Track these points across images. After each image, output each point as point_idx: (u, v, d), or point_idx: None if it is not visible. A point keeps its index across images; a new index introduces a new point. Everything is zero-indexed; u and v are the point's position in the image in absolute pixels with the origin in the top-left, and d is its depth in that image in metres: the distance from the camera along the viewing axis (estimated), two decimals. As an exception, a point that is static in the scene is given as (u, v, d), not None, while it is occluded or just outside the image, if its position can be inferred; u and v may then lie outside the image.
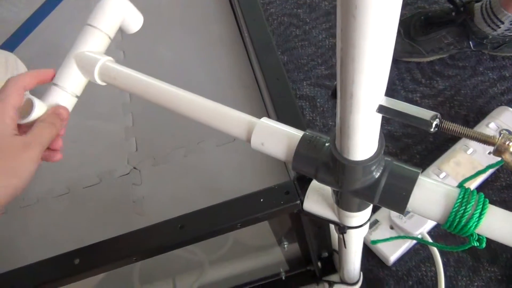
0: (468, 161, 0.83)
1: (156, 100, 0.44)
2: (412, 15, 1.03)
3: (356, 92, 0.26)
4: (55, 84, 0.47)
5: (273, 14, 1.19)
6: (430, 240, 0.75)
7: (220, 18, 0.81)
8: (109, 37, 0.50)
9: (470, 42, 0.97)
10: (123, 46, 0.87)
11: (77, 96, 0.49)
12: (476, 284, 0.75)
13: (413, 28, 1.00)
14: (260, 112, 0.65)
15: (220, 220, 0.47)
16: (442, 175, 0.82)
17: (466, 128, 0.27)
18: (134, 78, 0.46)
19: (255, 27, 0.62)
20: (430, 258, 0.78)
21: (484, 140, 0.26)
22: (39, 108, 0.44)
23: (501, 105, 0.93)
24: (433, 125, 0.27)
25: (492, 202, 0.84)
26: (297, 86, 1.05)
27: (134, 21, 0.53)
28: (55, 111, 0.45)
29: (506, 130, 0.86)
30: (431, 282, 0.77)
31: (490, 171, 0.84)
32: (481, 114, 0.93)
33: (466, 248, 0.35)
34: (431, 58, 1.02)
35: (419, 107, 0.28)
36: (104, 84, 0.48)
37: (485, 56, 1.01)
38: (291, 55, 1.11)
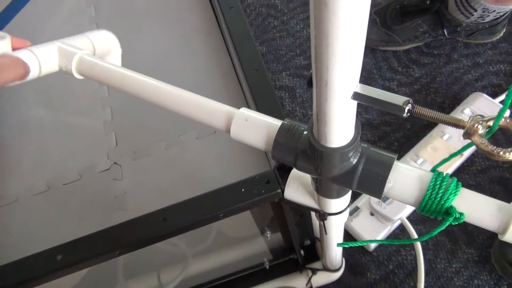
0: (445, 146, 0.85)
1: (134, 92, 0.43)
2: (388, 4, 1.04)
3: (331, 79, 0.27)
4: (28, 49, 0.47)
5: (251, 5, 1.19)
6: (409, 224, 0.76)
7: (197, 8, 0.81)
8: (94, 49, 0.51)
9: (445, 30, 0.99)
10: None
11: (40, 71, 0.48)
12: (454, 266, 0.78)
13: (389, 17, 1.02)
14: (240, 102, 0.65)
15: (202, 211, 0.48)
16: (420, 161, 0.84)
17: (437, 112, 0.27)
18: (111, 71, 0.45)
19: (232, 18, 0.62)
20: (410, 242, 0.80)
21: (454, 123, 0.27)
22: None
23: (475, 91, 0.95)
24: (406, 110, 0.27)
25: (468, 186, 0.86)
26: (276, 77, 1.05)
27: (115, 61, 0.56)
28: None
29: (480, 115, 0.88)
30: (411, 265, 0.79)
31: (466, 156, 0.86)
32: (456, 100, 0.95)
33: (443, 228, 0.36)
34: (407, 47, 1.04)
35: (392, 93, 0.28)
36: (81, 77, 0.47)
37: (459, 43, 1.03)
38: (269, 46, 1.11)
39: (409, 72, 1.01)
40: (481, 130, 0.26)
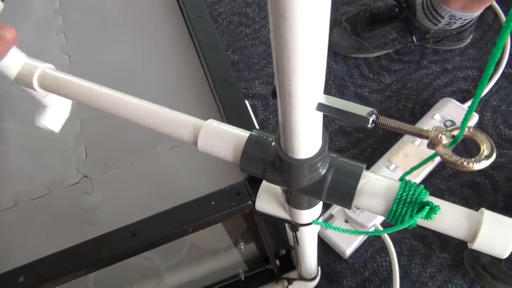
0: (416, 152, 0.86)
1: (100, 106, 0.42)
2: (357, 12, 1.05)
3: (294, 91, 0.26)
4: None
5: (222, 13, 1.19)
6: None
7: (168, 18, 0.79)
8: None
9: (414, 37, 1.00)
10: (68, 50, 0.84)
11: None
12: (428, 271, 0.78)
13: (359, 25, 1.03)
14: (213, 114, 0.64)
15: (172, 226, 0.47)
16: (392, 167, 0.84)
17: (401, 123, 0.27)
18: (75, 85, 0.44)
19: (201, 27, 0.62)
20: (385, 249, 0.80)
21: (418, 133, 0.27)
22: None
23: (444, 96, 0.97)
24: (370, 121, 0.27)
25: (440, 191, 0.88)
26: (249, 85, 1.05)
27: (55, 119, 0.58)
28: None
29: (450, 120, 0.90)
30: (386, 271, 0.79)
31: (437, 161, 0.87)
32: (426, 106, 0.97)
33: (412, 222, 0.35)
34: (378, 54, 1.05)
35: (357, 104, 0.28)
36: (45, 92, 0.46)
37: (428, 50, 1.05)
38: (242, 54, 1.11)
39: (380, 78, 1.03)
40: (444, 140, 0.26)
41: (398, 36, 1.01)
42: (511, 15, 0.20)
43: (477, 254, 0.75)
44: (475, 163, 0.26)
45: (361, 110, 0.27)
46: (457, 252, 0.79)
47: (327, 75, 1.04)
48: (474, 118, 0.91)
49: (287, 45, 0.23)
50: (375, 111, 0.27)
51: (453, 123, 0.90)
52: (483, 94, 0.96)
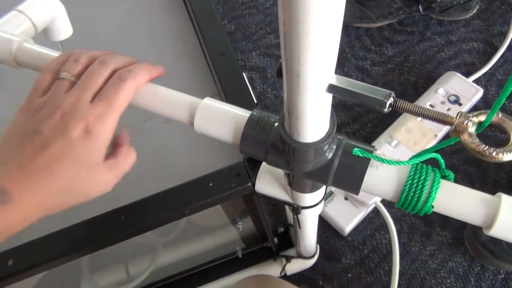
0: (419, 127, 0.83)
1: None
2: (361, -21, 1.01)
3: (303, 71, 0.24)
4: None
5: (218, -20, 1.13)
6: (383, 208, 0.75)
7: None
8: (35, 28, 0.45)
9: (420, 6, 0.96)
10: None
11: None
12: (428, 249, 0.77)
13: (362, -7, 0.98)
14: (209, 88, 0.61)
15: (167, 208, 0.44)
16: (394, 143, 0.82)
17: (422, 107, 0.25)
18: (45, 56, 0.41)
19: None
20: (384, 226, 0.79)
21: (441, 119, 0.24)
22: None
23: (449, 70, 0.94)
24: (387, 105, 0.24)
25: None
26: (246, 57, 1.01)
27: (63, 27, 0.51)
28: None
29: (454, 95, 0.87)
30: (385, 249, 0.78)
31: (440, 136, 0.84)
32: (430, 79, 0.94)
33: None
34: (381, 24, 1.01)
35: (372, 86, 0.25)
36: (23, 68, 0.42)
37: (432, 20, 1.01)
38: (238, 24, 1.06)
39: (382, 50, 0.99)
40: (471, 128, 0.24)
41: (403, 5, 0.96)
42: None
43: (477, 232, 0.74)
44: (505, 153, 0.23)
45: (377, 92, 0.24)
46: (458, 229, 0.78)
47: (328, 46, 1.00)
48: (479, 93, 0.88)
49: (298, 19, 0.20)
50: (392, 94, 0.24)
51: (457, 97, 0.87)
52: (488, 68, 0.93)
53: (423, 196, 0.32)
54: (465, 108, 0.86)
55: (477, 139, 0.24)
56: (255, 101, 0.55)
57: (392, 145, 0.82)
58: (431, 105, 0.87)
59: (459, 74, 0.90)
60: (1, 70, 0.73)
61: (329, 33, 0.21)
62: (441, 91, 0.88)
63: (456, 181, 0.87)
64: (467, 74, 0.92)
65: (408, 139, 0.82)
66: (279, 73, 0.26)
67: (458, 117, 0.24)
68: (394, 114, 0.87)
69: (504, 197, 0.32)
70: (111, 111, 0.34)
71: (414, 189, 0.33)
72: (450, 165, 0.83)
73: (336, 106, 0.92)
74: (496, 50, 0.95)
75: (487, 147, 0.24)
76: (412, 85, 0.94)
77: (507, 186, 0.80)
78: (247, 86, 0.51)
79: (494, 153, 0.23)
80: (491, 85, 0.92)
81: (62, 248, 0.44)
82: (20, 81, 0.53)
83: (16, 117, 0.36)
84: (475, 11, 0.99)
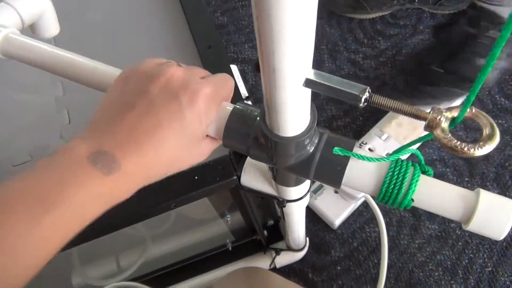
0: (409, 121, 0.83)
1: (68, 75, 0.39)
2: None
3: (278, 65, 0.24)
4: None
5: (211, -28, 1.13)
6: (373, 201, 0.75)
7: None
8: (22, 22, 0.45)
9: (414, -3, 0.96)
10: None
11: None
12: (417, 242, 0.78)
13: (357, -17, 0.98)
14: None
15: (153, 201, 0.44)
16: (384, 136, 0.82)
17: (396, 102, 0.25)
18: (42, 52, 0.40)
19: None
20: (374, 219, 0.79)
21: (415, 114, 0.24)
22: None
23: (440, 64, 0.94)
24: (362, 100, 0.24)
25: (432, 161, 0.86)
26: (239, 49, 1.01)
27: (51, 24, 0.51)
28: None
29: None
30: (374, 242, 0.79)
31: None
32: (421, 73, 0.94)
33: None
34: (374, 15, 1.01)
35: (348, 81, 0.25)
36: (6, 58, 0.42)
37: (425, 14, 1.01)
38: (231, 16, 1.06)
39: (375, 44, 0.99)
40: (444, 123, 0.24)
41: (397, -4, 0.96)
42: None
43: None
44: (476, 149, 0.23)
45: (353, 87, 0.25)
46: (445, 222, 0.79)
47: (320, 39, 1.00)
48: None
49: (270, 15, 0.20)
50: (368, 89, 0.24)
51: (448, 92, 0.87)
52: (479, 62, 0.93)
53: (403, 190, 0.32)
54: (454, 103, 0.86)
55: (450, 134, 0.24)
56: (247, 94, 0.55)
57: (382, 139, 0.82)
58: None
59: (450, 68, 0.90)
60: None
61: (302, 27, 0.21)
62: (432, 85, 0.88)
63: (445, 174, 0.87)
64: (459, 68, 0.92)
65: (399, 133, 0.82)
66: (257, 67, 0.26)
67: (431, 112, 0.24)
68: (385, 108, 0.87)
69: (482, 192, 0.33)
70: (217, 95, 0.34)
71: (394, 183, 0.33)
72: (440, 158, 0.84)
73: (328, 100, 0.92)
74: (487, 44, 0.95)
75: (458, 142, 0.24)
76: (404, 79, 0.94)
77: (495, 180, 0.81)
78: (234, 79, 0.51)
79: (465, 149, 0.24)
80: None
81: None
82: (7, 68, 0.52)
83: (117, 84, 0.34)
84: (468, 4, 0.99)
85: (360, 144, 0.82)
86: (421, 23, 1.00)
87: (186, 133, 0.32)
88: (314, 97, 0.99)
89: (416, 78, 0.93)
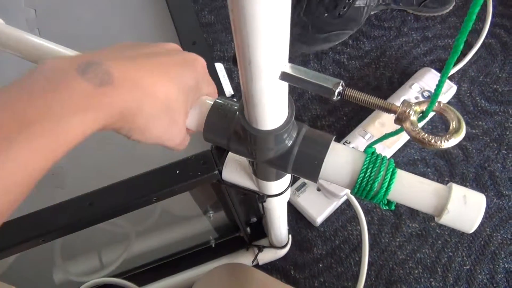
0: (392, 121, 0.84)
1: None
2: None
3: (254, 58, 0.24)
4: None
5: (199, -29, 1.13)
6: (354, 200, 0.76)
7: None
8: None
9: (398, -2, 0.98)
10: (34, 3, 0.78)
11: None
12: (398, 240, 0.79)
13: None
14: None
15: (133, 195, 0.45)
16: (367, 136, 0.83)
17: (369, 96, 0.25)
18: (30, 44, 0.41)
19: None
20: (356, 218, 0.80)
21: (385, 108, 0.25)
22: None
23: (424, 65, 0.95)
24: (336, 93, 0.25)
25: (414, 161, 0.87)
26: (225, 48, 1.01)
27: None
28: None
29: (428, 91, 0.89)
30: (356, 240, 0.80)
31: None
32: (405, 75, 0.95)
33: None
34: (359, 19, 1.02)
35: (323, 75, 0.26)
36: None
37: (409, 16, 1.03)
38: (218, 14, 1.06)
39: (359, 45, 1.00)
40: (412, 116, 0.25)
41: (382, -3, 0.97)
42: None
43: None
44: (443, 141, 0.24)
45: (327, 81, 0.25)
46: (425, 221, 0.80)
47: (306, 39, 1.01)
48: (452, 89, 0.90)
49: (243, 7, 0.21)
50: (341, 83, 0.25)
51: (431, 93, 0.88)
52: (462, 65, 0.95)
53: (377, 183, 0.33)
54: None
55: (418, 127, 0.25)
56: (232, 93, 0.55)
57: (365, 138, 0.83)
58: (405, 100, 0.88)
59: (433, 70, 0.92)
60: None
61: (276, 20, 0.22)
62: (415, 86, 0.90)
63: (426, 174, 0.88)
64: (442, 70, 0.94)
65: (382, 133, 0.83)
66: (234, 60, 0.27)
67: (401, 106, 0.25)
68: (369, 108, 0.89)
69: (455, 186, 0.34)
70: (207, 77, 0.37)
71: (368, 176, 0.34)
72: (421, 158, 0.85)
73: (312, 99, 0.93)
74: (470, 47, 0.97)
75: (426, 134, 0.25)
76: (388, 80, 0.95)
77: (475, 180, 0.82)
78: (218, 77, 0.52)
79: (433, 141, 0.24)
80: (464, 81, 0.93)
81: (26, 233, 0.44)
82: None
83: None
84: (451, 7, 1.01)
85: (343, 143, 0.83)
86: (405, 25, 1.02)
87: (182, 87, 0.32)
88: (299, 96, 0.99)
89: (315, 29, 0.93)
